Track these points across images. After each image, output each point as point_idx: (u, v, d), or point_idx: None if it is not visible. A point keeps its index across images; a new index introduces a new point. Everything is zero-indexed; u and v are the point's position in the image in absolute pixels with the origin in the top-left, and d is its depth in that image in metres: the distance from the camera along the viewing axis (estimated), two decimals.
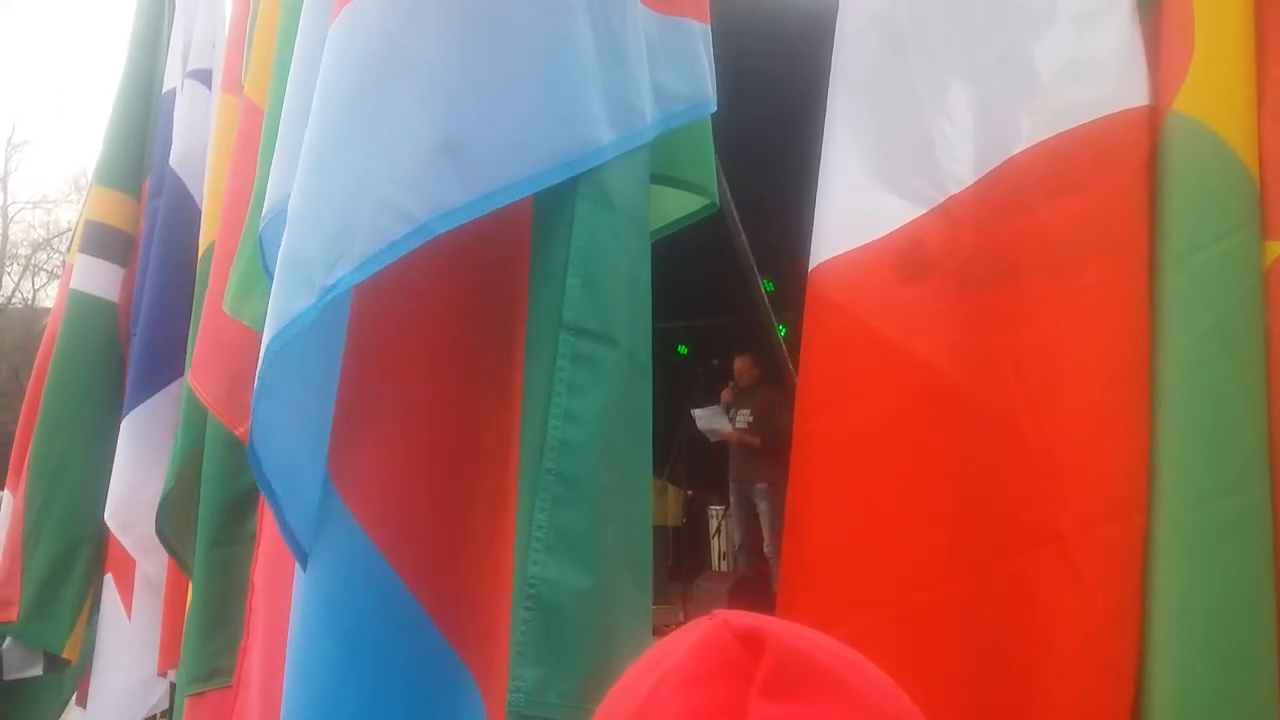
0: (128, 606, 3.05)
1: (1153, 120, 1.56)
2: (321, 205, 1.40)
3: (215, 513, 2.47)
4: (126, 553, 3.02)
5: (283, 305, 1.38)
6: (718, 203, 1.93)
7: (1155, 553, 1.42)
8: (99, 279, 3.41)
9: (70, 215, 18.49)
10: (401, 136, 1.40)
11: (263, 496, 1.60)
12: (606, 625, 1.40)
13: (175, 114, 3.22)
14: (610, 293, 1.50)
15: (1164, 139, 1.54)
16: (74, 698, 3.58)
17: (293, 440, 1.52)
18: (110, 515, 2.97)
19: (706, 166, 1.90)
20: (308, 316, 1.35)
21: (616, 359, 1.48)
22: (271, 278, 1.63)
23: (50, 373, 3.33)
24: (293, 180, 1.61)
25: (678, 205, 1.94)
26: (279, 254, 1.43)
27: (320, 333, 1.45)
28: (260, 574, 2.13)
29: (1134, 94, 1.58)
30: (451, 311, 1.59)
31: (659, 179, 1.87)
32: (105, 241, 3.44)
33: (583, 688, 1.34)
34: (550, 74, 1.49)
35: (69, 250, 3.86)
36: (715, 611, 0.71)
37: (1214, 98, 1.51)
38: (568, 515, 1.38)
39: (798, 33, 2.67)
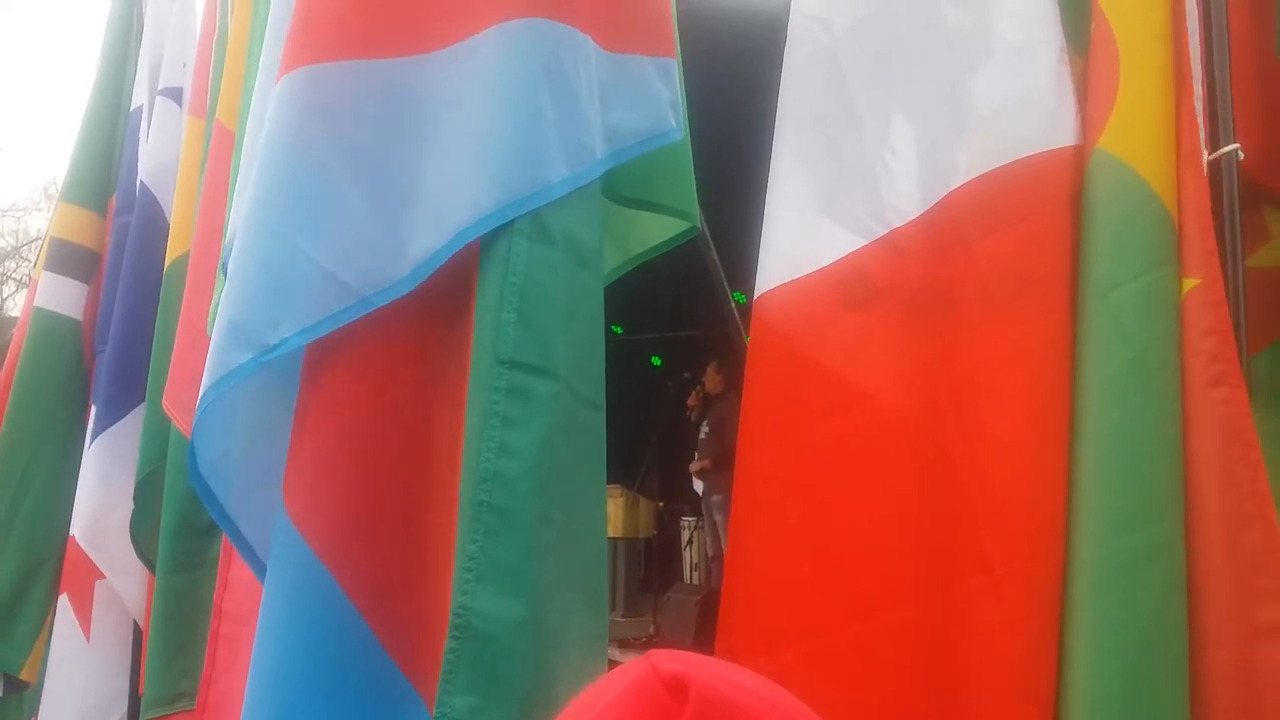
0: (86, 628, 3.03)
1: (1078, 159, 1.60)
2: (263, 268, 1.50)
3: (175, 538, 2.48)
4: (83, 573, 3.02)
5: (220, 358, 1.48)
6: (699, 227, 1.98)
7: (1071, 585, 1.45)
8: (63, 296, 3.41)
9: (39, 223, 18.31)
10: (340, 211, 1.51)
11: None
12: (544, 654, 1.42)
13: (147, 130, 3.23)
14: (548, 326, 1.53)
15: (1088, 176, 1.58)
16: None
17: (244, 475, 1.59)
18: (82, 535, 2.97)
19: (687, 191, 1.96)
20: (246, 370, 1.47)
21: (554, 391, 1.51)
22: None
23: (13, 391, 3.32)
24: None
25: (660, 229, 2.00)
26: (220, 303, 1.52)
27: (272, 375, 1.55)
28: (232, 601, 2.15)
29: (1063, 133, 1.62)
30: (402, 342, 1.61)
31: (640, 204, 1.95)
32: (70, 259, 3.44)
33: (519, 716, 1.36)
34: (502, 123, 1.55)
35: (35, 266, 3.85)
36: (649, 652, 0.73)
37: (1135, 138, 1.55)
38: (499, 546, 1.41)
39: (769, 45, 2.71)
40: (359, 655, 1.49)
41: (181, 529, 2.48)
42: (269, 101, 1.57)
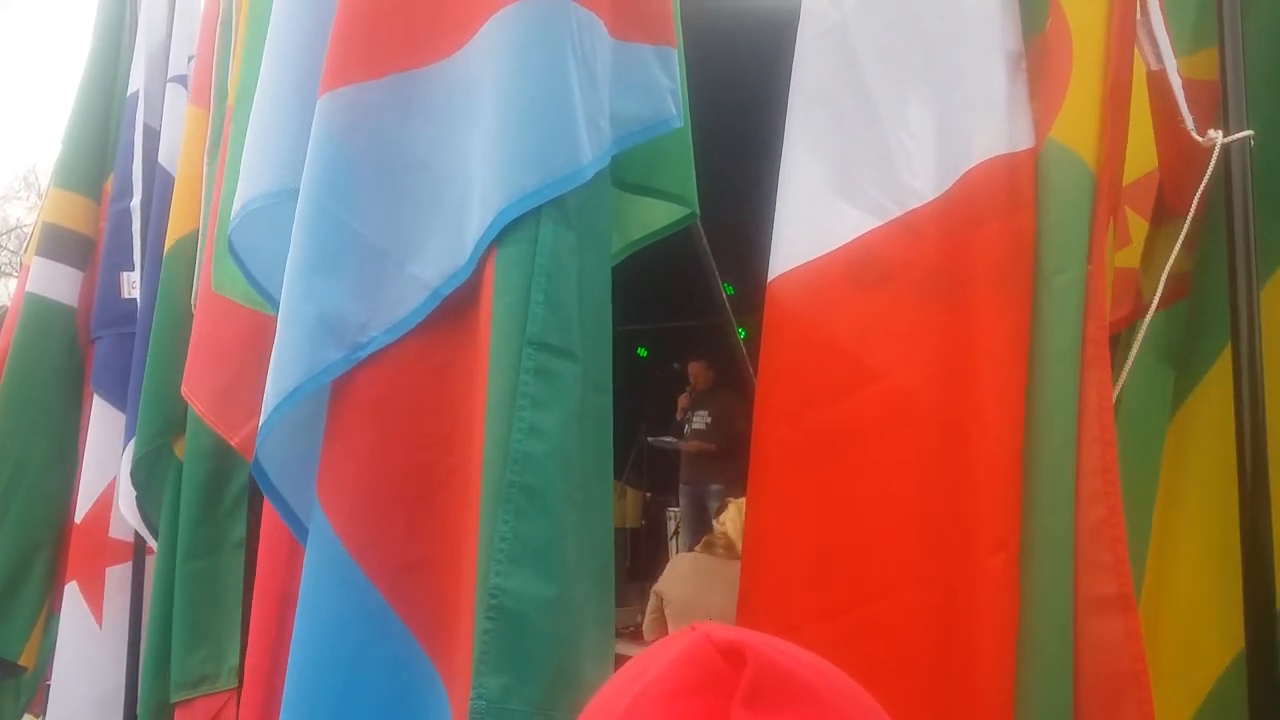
0: (98, 615, 3.01)
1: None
2: (348, 267, 1.61)
3: (196, 524, 2.48)
4: (94, 560, 3.01)
5: (313, 352, 1.58)
6: (698, 212, 1.99)
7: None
8: (56, 283, 3.38)
9: (19, 212, 18.08)
10: (408, 211, 1.63)
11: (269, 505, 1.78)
12: (570, 634, 1.44)
13: (141, 116, 3.20)
14: (569, 309, 1.55)
15: (1041, 165, 1.62)
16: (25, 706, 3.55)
17: (296, 459, 1.67)
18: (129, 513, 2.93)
19: (686, 177, 1.97)
20: (339, 368, 1.59)
21: (575, 373, 1.53)
22: (244, 271, 1.85)
23: (6, 378, 3.30)
24: (264, 178, 1.75)
25: (658, 215, 2.02)
26: (293, 303, 1.61)
27: None
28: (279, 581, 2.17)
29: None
30: (419, 328, 1.63)
31: (640, 190, 1.97)
32: (63, 245, 3.41)
33: (546, 695, 1.38)
34: (537, 102, 1.59)
35: (25, 251, 3.82)
36: (695, 624, 0.73)
37: (1083, 125, 1.58)
38: (530, 526, 1.43)
39: (762, 38, 2.71)
40: (381, 633, 1.52)
41: (203, 515, 2.49)
42: (314, 117, 1.65)
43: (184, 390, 2.33)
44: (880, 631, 1.61)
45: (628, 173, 1.92)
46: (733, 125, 4.06)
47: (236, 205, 1.81)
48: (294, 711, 1.52)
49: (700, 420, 7.72)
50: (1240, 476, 1.45)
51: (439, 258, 1.59)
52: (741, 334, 5.38)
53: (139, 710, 2.68)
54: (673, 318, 8.14)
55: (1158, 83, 1.62)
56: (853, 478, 1.69)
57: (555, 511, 1.46)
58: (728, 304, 5.18)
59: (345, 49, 1.68)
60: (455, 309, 1.61)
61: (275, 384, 1.62)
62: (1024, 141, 1.66)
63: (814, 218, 1.82)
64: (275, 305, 1.73)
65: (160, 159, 3.10)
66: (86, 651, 3.00)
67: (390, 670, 1.51)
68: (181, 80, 3.12)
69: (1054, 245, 1.57)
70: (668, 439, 7.89)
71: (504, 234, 1.53)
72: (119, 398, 3.06)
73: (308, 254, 1.62)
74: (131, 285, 3.08)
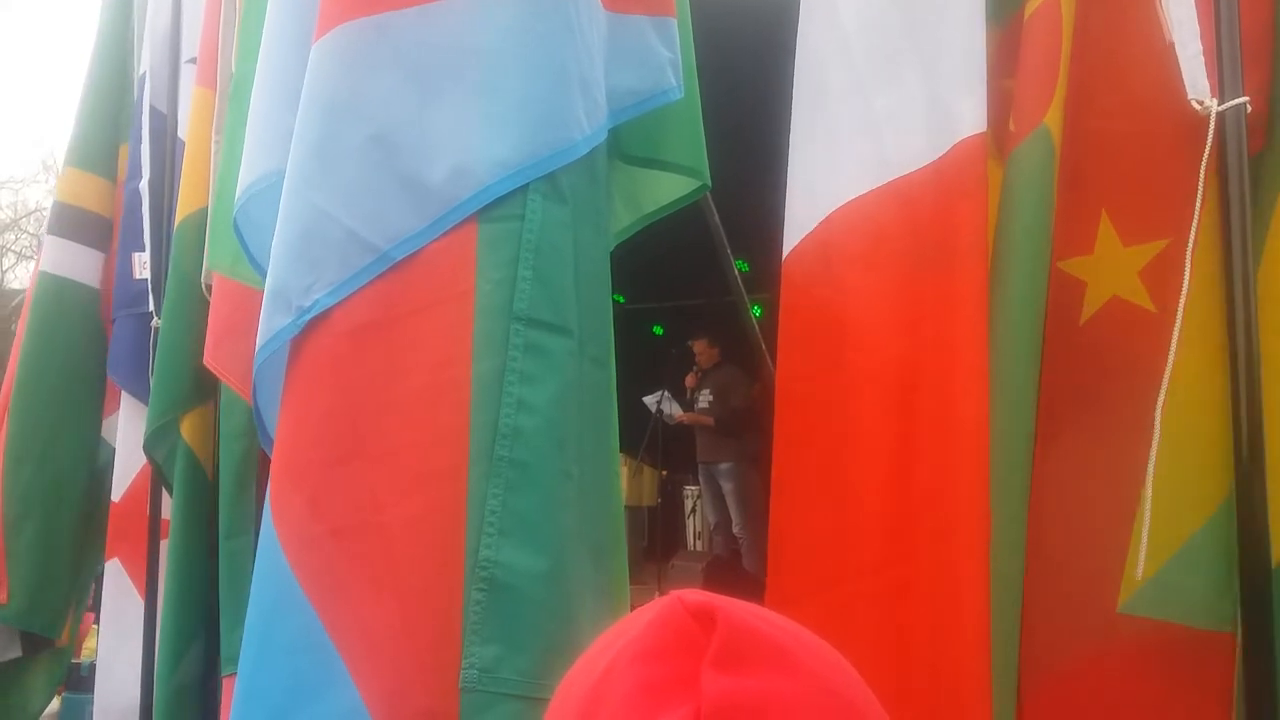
0: (141, 590, 3.01)
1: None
2: (295, 231, 1.56)
3: (232, 503, 2.51)
4: (135, 537, 3.02)
5: (266, 323, 1.57)
6: (710, 185, 1.98)
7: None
8: (74, 262, 3.38)
9: (38, 195, 18.22)
10: (360, 168, 1.55)
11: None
12: (564, 605, 1.45)
13: (179, 98, 3.14)
14: (561, 284, 1.54)
15: (1028, 150, 1.66)
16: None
17: None
18: None
19: (697, 149, 1.95)
20: (288, 333, 1.54)
21: (568, 349, 1.53)
22: (248, 253, 1.84)
23: (31, 360, 3.30)
24: (265, 161, 1.72)
25: (671, 188, 2.00)
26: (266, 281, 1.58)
27: None
28: None
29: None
30: (391, 306, 1.56)
31: (650, 163, 1.95)
32: (80, 225, 3.41)
33: (540, 665, 1.39)
34: (530, 77, 1.56)
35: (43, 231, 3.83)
36: (671, 591, 0.74)
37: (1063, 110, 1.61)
38: (520, 499, 1.43)
39: (771, 11, 2.69)
40: (290, 609, 1.46)
41: (239, 493, 2.51)
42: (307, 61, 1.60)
43: (208, 362, 2.36)
44: (874, 604, 1.64)
45: (636, 146, 1.92)
46: (742, 102, 4.05)
47: (241, 184, 1.82)
48: (237, 696, 1.51)
49: (704, 399, 7.71)
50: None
51: (391, 219, 1.52)
52: (756, 312, 5.38)
53: (155, 693, 2.71)
54: (688, 296, 8.14)
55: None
56: (861, 445, 1.72)
57: (547, 485, 1.46)
58: (740, 281, 5.18)
59: None
60: (412, 276, 1.53)
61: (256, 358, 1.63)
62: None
63: (817, 188, 1.85)
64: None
65: (182, 134, 3.09)
66: (131, 627, 2.99)
67: (291, 651, 1.46)
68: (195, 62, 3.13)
69: (1035, 231, 1.61)
70: (660, 403, 7.84)
71: (487, 209, 1.52)
72: (129, 378, 3.10)
73: (279, 222, 1.59)
74: (143, 265, 3.10)
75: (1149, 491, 1.49)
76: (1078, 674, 1.64)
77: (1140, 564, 1.53)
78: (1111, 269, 1.70)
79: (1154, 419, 1.50)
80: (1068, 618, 1.65)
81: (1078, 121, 1.67)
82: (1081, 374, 1.70)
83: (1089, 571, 1.63)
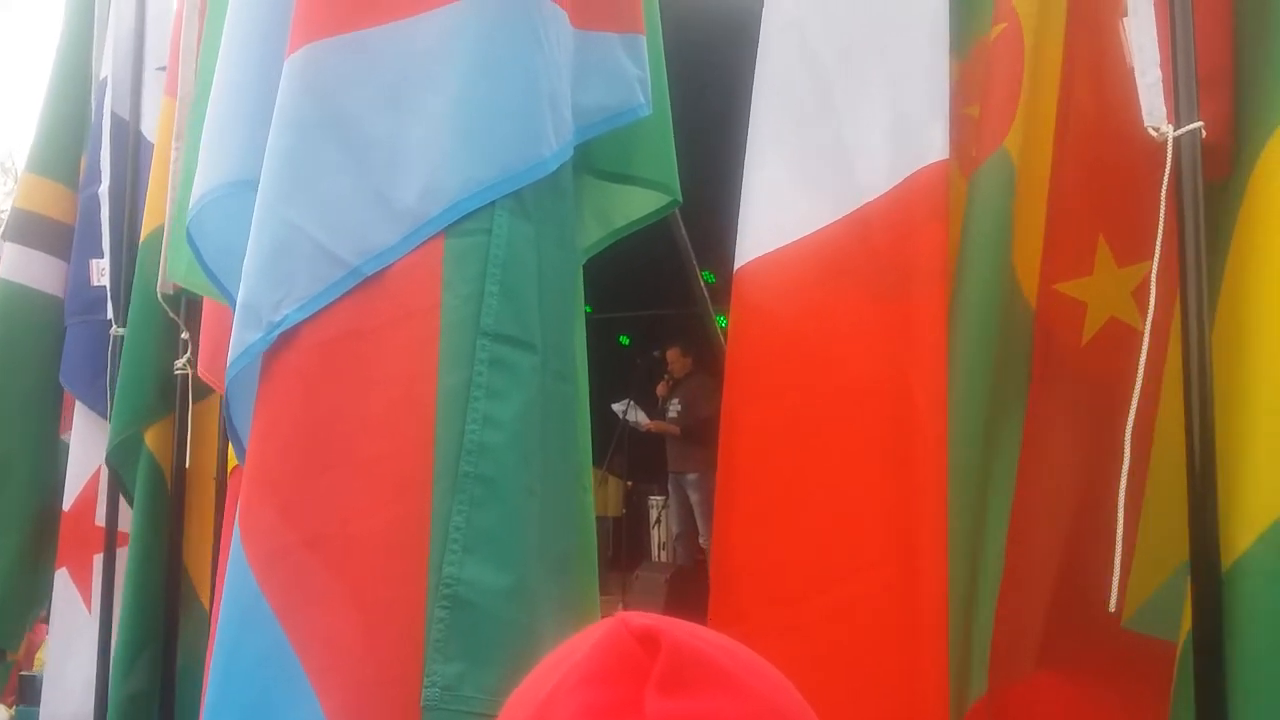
0: (86, 600, 3.02)
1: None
2: (266, 247, 1.55)
3: None
4: (82, 547, 3.01)
5: (237, 338, 1.55)
6: (680, 200, 1.99)
7: None
8: (33, 270, 3.35)
9: None
10: (330, 184, 1.55)
11: None
12: (527, 621, 1.45)
13: (143, 105, 3.17)
14: (526, 300, 1.55)
15: (987, 175, 1.69)
16: None
17: None
18: None
19: (667, 164, 1.96)
20: (258, 348, 1.53)
21: (533, 364, 1.53)
22: (203, 264, 1.80)
23: None
24: (220, 171, 1.70)
25: (641, 203, 2.00)
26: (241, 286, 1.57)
27: None
28: None
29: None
30: (360, 320, 1.55)
31: (620, 178, 1.95)
32: (40, 232, 3.38)
33: (503, 682, 1.36)
34: (499, 94, 1.56)
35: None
36: (617, 613, 0.74)
37: (1032, 136, 1.65)
38: (485, 516, 1.43)
39: (734, 26, 2.70)
40: (255, 623, 1.45)
41: None
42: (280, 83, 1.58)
43: (201, 374, 2.34)
44: (843, 615, 1.65)
45: (607, 161, 1.92)
46: (711, 115, 4.07)
47: (195, 194, 1.79)
48: (206, 708, 1.49)
49: (674, 408, 7.75)
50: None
51: (362, 234, 1.51)
52: (721, 323, 5.41)
53: (109, 699, 2.68)
54: (655, 306, 8.16)
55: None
56: (813, 465, 1.72)
57: (511, 501, 1.46)
58: (706, 292, 5.21)
59: (309, 11, 1.61)
60: (381, 291, 1.52)
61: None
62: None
63: (776, 209, 1.85)
64: (227, 296, 1.71)
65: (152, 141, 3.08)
66: (77, 637, 2.99)
67: (257, 664, 1.44)
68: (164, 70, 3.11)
69: (992, 249, 1.65)
70: (628, 410, 7.85)
71: (455, 224, 1.52)
72: (82, 385, 3.06)
73: (251, 237, 1.58)
74: (101, 272, 3.06)
75: (1121, 515, 1.49)
76: (1073, 686, 1.66)
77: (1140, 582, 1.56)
78: (1109, 290, 1.73)
79: (1124, 441, 1.51)
80: (1069, 634, 1.66)
81: (1074, 145, 1.69)
82: (1086, 394, 1.72)
83: (1092, 588, 1.62)
